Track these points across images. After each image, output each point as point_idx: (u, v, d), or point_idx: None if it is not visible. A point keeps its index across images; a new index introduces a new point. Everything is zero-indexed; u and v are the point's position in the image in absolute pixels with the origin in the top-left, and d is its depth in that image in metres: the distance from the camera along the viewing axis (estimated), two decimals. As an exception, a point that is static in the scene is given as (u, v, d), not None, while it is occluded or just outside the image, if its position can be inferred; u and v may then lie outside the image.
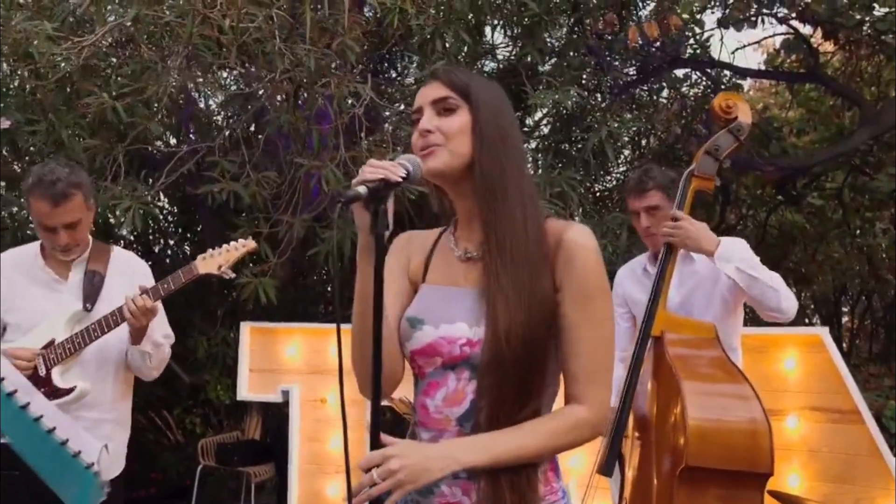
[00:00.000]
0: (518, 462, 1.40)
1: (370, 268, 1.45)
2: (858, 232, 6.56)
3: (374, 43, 4.80)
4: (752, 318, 3.57)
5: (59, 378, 2.51)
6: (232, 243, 2.58)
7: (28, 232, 5.14)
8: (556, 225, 1.52)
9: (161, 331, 2.70)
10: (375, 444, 1.42)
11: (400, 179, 1.42)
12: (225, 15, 3.51)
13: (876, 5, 4.92)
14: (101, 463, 1.64)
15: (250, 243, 2.59)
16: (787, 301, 2.57)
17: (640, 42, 4.50)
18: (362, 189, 1.39)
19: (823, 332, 3.45)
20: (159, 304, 2.66)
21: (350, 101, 4.01)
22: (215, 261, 2.53)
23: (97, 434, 2.49)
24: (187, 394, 5.99)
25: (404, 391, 1.70)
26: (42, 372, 2.50)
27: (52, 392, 2.48)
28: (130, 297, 2.43)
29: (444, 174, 1.53)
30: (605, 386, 1.47)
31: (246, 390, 4.23)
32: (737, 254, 2.58)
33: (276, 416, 5.67)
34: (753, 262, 2.62)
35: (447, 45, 4.16)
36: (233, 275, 2.58)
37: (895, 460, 3.27)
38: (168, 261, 6.33)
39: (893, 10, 4.75)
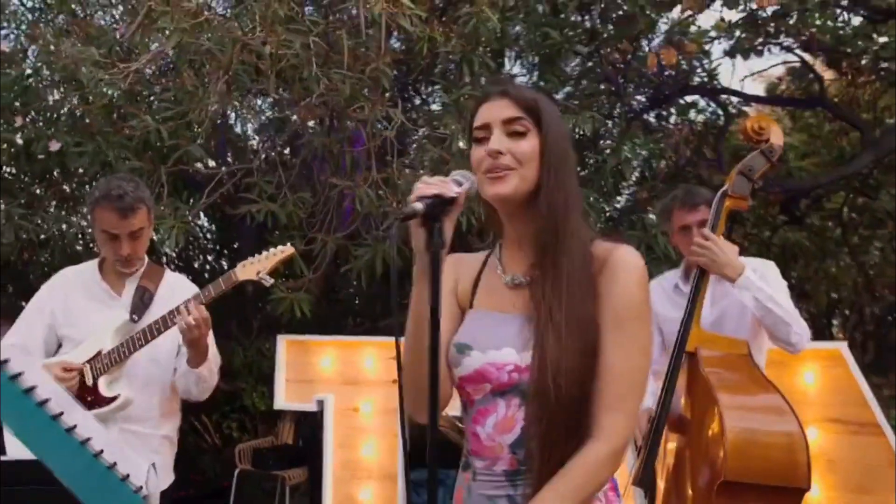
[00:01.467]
0: None
1: (426, 287, 1.27)
2: (858, 250, 6.39)
3: (401, 70, 4.67)
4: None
5: (105, 387, 2.35)
6: (270, 250, 2.41)
7: (77, 247, 5.01)
8: (604, 245, 1.36)
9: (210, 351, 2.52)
10: (433, 466, 1.25)
11: (455, 195, 1.26)
12: (265, 42, 3.36)
13: (875, 35, 4.76)
14: (150, 484, 1.47)
15: (288, 249, 2.42)
16: (798, 336, 2.42)
17: (656, 69, 4.34)
18: (419, 205, 1.23)
19: (843, 347, 3.28)
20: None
21: (381, 125, 3.86)
22: (254, 267, 2.37)
23: (145, 447, 2.36)
24: (224, 400, 5.83)
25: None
26: (89, 381, 2.35)
27: (98, 401, 2.33)
28: (183, 308, 2.27)
29: (512, 200, 1.35)
30: (626, 414, 1.28)
31: (283, 399, 4.05)
32: (756, 283, 2.41)
33: (308, 422, 5.52)
34: (774, 291, 2.45)
35: (473, 72, 4.00)
36: (271, 280, 2.41)
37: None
38: (207, 275, 6.20)
39: (894, 38, 4.59)
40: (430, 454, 1.26)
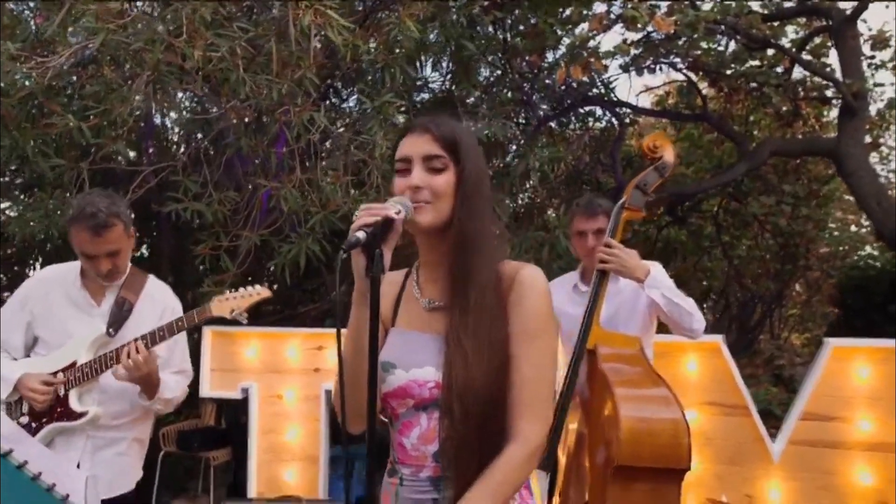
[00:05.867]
0: None
1: (365, 310, 1.27)
2: (728, 247, 6.80)
3: (323, 74, 4.56)
4: (661, 327, 3.59)
5: (75, 401, 2.24)
6: (248, 289, 2.29)
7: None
8: (511, 265, 1.39)
9: (178, 365, 2.43)
10: (372, 477, 1.25)
11: (395, 218, 1.26)
12: (192, 45, 3.20)
13: (750, 60, 5.06)
14: (88, 499, 1.39)
15: (265, 291, 2.30)
16: (699, 323, 2.56)
17: (564, 83, 4.45)
18: (361, 234, 1.22)
19: (720, 340, 3.48)
20: (182, 336, 2.39)
21: (305, 128, 3.75)
22: (229, 304, 2.26)
23: (109, 451, 2.29)
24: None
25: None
26: (60, 392, 2.23)
27: (67, 414, 2.23)
28: (126, 350, 2.16)
29: (428, 231, 1.36)
30: (540, 418, 1.33)
31: (208, 388, 3.96)
32: (662, 281, 2.54)
33: (231, 405, 5.37)
34: (673, 287, 2.59)
35: (394, 78, 3.97)
36: (244, 321, 2.29)
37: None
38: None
39: (765, 64, 4.90)
40: (371, 468, 1.25)
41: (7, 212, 4.71)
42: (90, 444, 2.25)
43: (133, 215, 5.98)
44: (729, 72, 4.92)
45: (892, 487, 3.10)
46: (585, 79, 4.92)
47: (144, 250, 6.19)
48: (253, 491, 3.87)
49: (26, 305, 2.33)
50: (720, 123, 5.60)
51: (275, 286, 6.30)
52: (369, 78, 4.24)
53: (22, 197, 4.92)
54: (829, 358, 3.24)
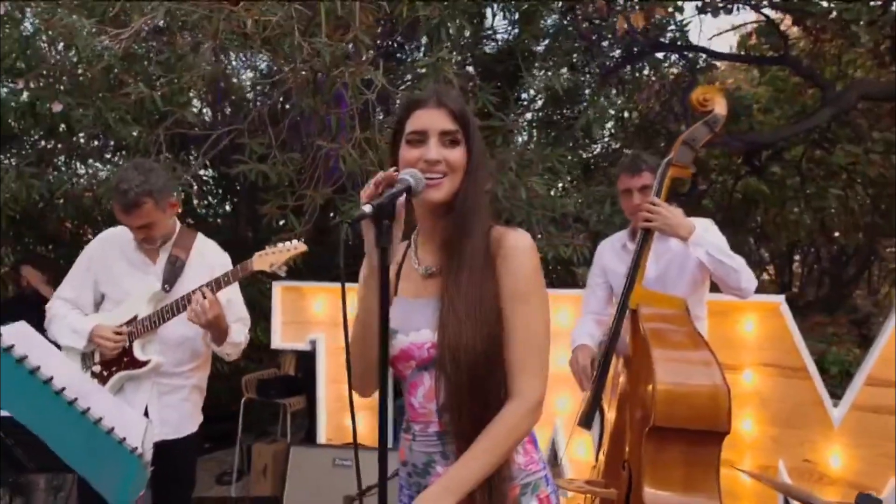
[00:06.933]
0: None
1: (373, 279, 1.38)
2: (813, 198, 6.43)
3: (384, 30, 4.62)
4: (715, 286, 3.52)
5: (139, 351, 2.51)
6: (286, 244, 2.45)
7: (86, 199, 5.08)
8: (500, 230, 1.48)
9: (237, 314, 2.63)
10: (384, 437, 1.36)
11: (402, 189, 1.33)
12: (248, 10, 3.35)
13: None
14: (146, 442, 1.59)
15: (301, 246, 2.45)
16: (748, 282, 2.50)
17: (625, 30, 4.29)
18: (368, 208, 1.30)
19: (781, 300, 3.37)
20: (236, 289, 2.59)
21: (362, 89, 3.85)
22: (268, 259, 2.42)
23: (174, 397, 2.56)
24: (233, 333, 5.99)
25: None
26: (126, 343, 2.51)
27: (132, 362, 2.51)
28: (194, 300, 2.35)
29: (442, 203, 1.45)
30: (535, 374, 1.42)
31: (279, 339, 4.22)
32: (707, 238, 2.51)
33: (307, 355, 5.68)
34: (721, 244, 2.55)
35: (451, 33, 3.98)
36: (283, 273, 2.46)
37: (834, 407, 3.26)
38: (211, 219, 6.28)
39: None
40: (381, 427, 1.37)
41: (99, 174, 5.12)
42: (156, 390, 2.53)
43: (214, 174, 6.30)
44: (821, 7, 4.52)
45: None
46: (656, 20, 4.72)
47: (227, 207, 6.61)
48: (322, 437, 4.12)
49: (91, 266, 2.60)
50: (801, 65, 5.23)
51: (349, 241, 6.62)
52: (428, 33, 4.25)
53: (114, 159, 5.34)
54: (899, 321, 3.09)
